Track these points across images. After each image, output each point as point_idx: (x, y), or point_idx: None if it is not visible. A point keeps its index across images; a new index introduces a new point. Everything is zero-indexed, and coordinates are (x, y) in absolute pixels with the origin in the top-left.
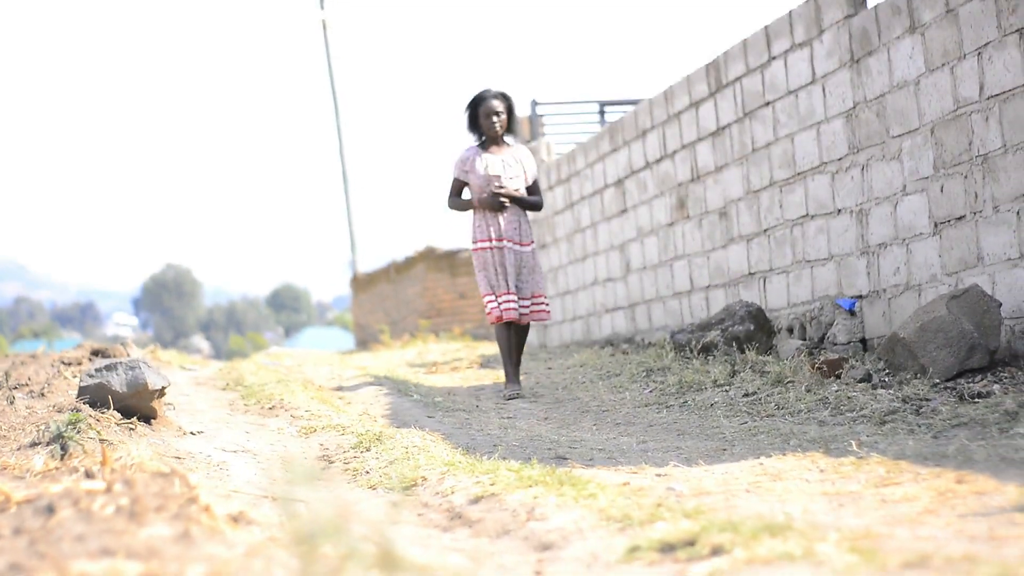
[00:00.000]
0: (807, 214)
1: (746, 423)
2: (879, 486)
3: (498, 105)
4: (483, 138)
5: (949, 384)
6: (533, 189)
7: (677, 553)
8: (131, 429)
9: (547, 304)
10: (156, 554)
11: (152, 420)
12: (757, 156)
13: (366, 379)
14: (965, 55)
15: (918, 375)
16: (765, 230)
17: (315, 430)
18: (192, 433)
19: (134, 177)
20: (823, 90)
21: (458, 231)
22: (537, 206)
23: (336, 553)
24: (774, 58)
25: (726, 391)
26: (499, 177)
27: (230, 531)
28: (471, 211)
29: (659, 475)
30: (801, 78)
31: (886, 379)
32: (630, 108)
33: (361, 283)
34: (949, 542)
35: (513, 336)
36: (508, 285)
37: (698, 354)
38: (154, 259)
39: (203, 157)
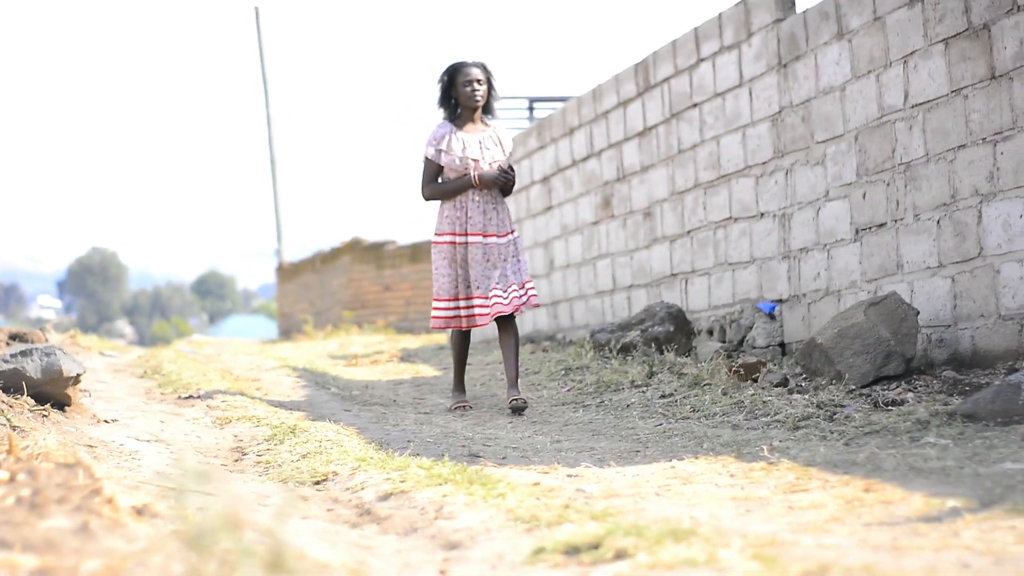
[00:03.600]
0: (731, 217)
1: (661, 425)
2: (788, 492)
3: (478, 73)
4: (457, 113)
5: (864, 391)
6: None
7: (582, 556)
8: (44, 416)
9: (532, 291)
10: (54, 547)
11: (67, 407)
12: (683, 157)
13: (285, 370)
14: (891, 63)
15: (834, 381)
16: (689, 231)
17: (230, 421)
18: (106, 421)
19: (61, 158)
20: (750, 93)
21: (385, 223)
22: (511, 192)
23: (230, 550)
24: (703, 60)
25: (643, 392)
26: (477, 161)
27: (133, 524)
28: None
29: (570, 476)
30: (729, 81)
31: (802, 384)
32: (559, 105)
33: (287, 272)
34: (851, 551)
35: (503, 341)
36: (476, 288)
37: (617, 354)
38: (80, 241)
39: (131, 140)
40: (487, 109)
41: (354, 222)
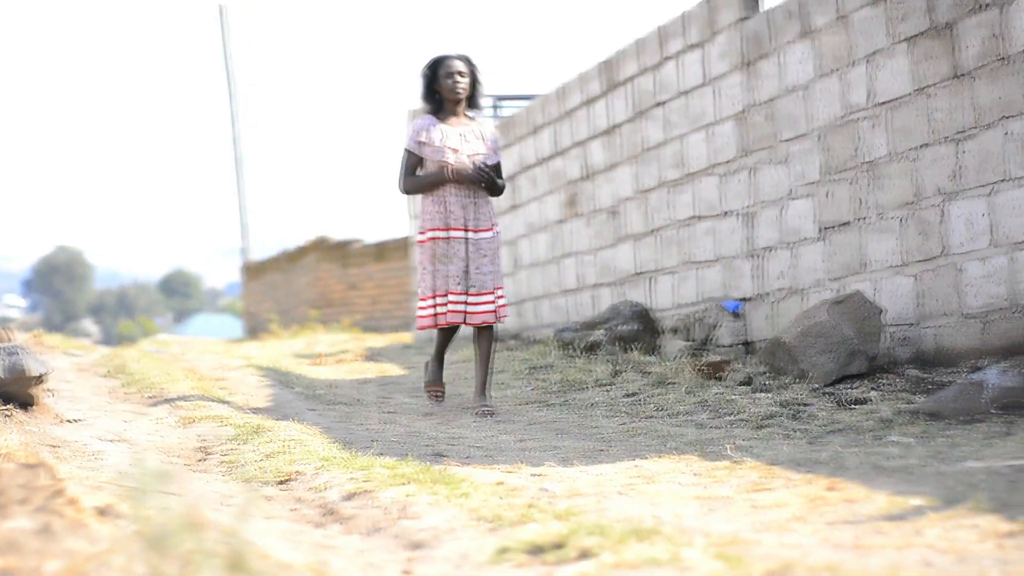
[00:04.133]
0: (695, 215)
1: (625, 424)
2: (751, 491)
3: (461, 66)
4: (440, 107)
5: (829, 389)
6: (495, 170)
7: (546, 555)
8: (7, 416)
9: (501, 301)
10: (16, 548)
11: (31, 407)
12: (648, 156)
13: (250, 369)
14: (855, 62)
15: (799, 379)
16: (654, 230)
17: (195, 420)
18: (70, 421)
19: (26, 157)
20: (715, 92)
21: (351, 222)
22: (499, 190)
23: (191, 550)
24: (668, 59)
25: (608, 391)
26: (458, 152)
27: (96, 524)
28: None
29: (535, 475)
30: (693, 79)
31: (767, 383)
32: (524, 104)
33: (252, 271)
34: (814, 550)
35: (478, 344)
36: (455, 284)
37: (582, 353)
38: (46, 240)
39: (96, 138)
40: (472, 103)
41: (320, 221)
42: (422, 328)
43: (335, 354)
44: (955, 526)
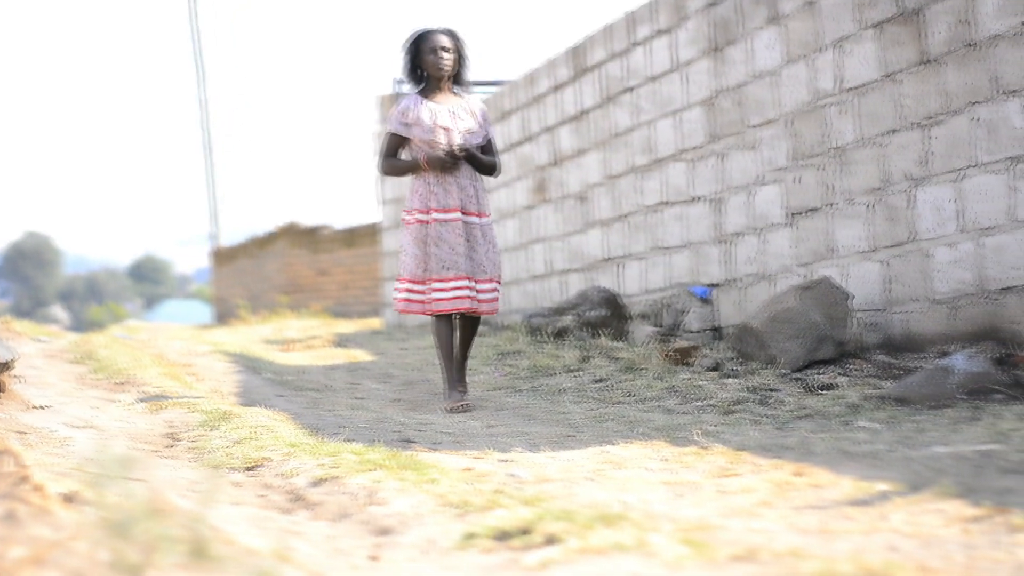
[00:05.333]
0: (665, 201)
1: (594, 409)
2: (719, 477)
3: (445, 40)
4: (425, 85)
5: (797, 375)
6: (487, 149)
7: (512, 541)
8: None
9: (498, 291)
10: None
11: None
12: (617, 141)
13: (219, 355)
14: (824, 47)
15: (767, 365)
16: (622, 216)
17: (163, 407)
18: (38, 407)
19: None
20: (683, 78)
21: (321, 208)
22: (493, 169)
23: (154, 536)
24: (636, 44)
25: (577, 376)
26: (449, 131)
27: (61, 511)
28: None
29: (503, 461)
30: (663, 65)
31: (736, 368)
32: (493, 90)
33: (222, 257)
34: (781, 535)
35: (461, 329)
36: (460, 267)
37: (552, 338)
38: (14, 226)
39: (65, 123)
40: (458, 79)
41: (289, 206)
42: (402, 312)
43: (304, 340)
44: (921, 511)
